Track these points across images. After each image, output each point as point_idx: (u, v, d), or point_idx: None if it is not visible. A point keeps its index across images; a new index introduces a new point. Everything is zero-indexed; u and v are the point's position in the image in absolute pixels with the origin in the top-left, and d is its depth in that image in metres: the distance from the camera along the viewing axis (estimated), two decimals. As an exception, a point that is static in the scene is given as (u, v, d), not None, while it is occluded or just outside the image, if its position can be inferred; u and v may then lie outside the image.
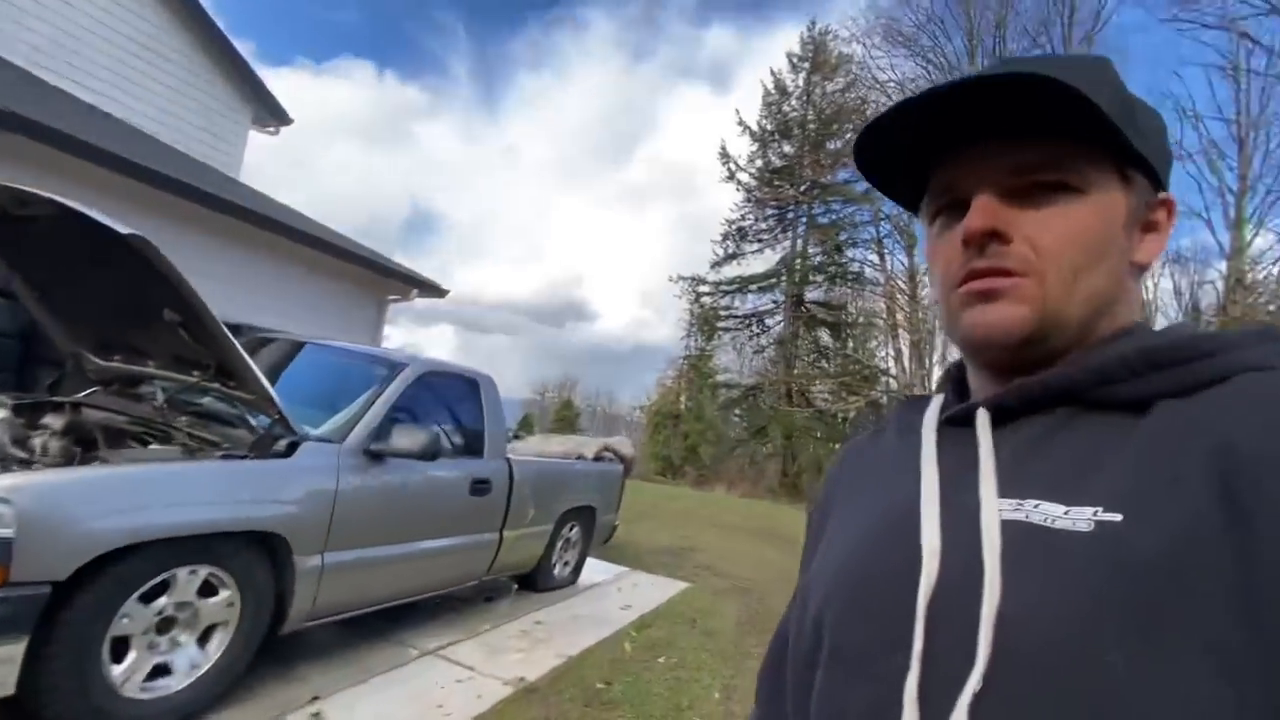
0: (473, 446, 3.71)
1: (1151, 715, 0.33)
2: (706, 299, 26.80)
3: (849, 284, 25.06)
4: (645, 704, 3.05)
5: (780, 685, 0.58)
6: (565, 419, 49.89)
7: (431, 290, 7.24)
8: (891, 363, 22.76)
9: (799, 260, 25.42)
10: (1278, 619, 0.32)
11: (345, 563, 2.77)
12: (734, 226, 26.83)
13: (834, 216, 25.20)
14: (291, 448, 2.59)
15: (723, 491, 21.81)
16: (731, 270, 26.66)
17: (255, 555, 2.43)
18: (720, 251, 26.92)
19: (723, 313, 26.53)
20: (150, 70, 7.28)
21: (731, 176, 25.96)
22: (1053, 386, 0.45)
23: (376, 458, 2.93)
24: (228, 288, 5.74)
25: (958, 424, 0.50)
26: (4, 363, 3.70)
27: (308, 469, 2.61)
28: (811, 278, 25.49)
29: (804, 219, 26.07)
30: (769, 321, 26.65)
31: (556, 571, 4.80)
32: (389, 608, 3.38)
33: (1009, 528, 0.41)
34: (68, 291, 2.87)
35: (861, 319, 25.14)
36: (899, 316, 21.46)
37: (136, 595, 2.08)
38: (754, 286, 26.33)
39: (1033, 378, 0.46)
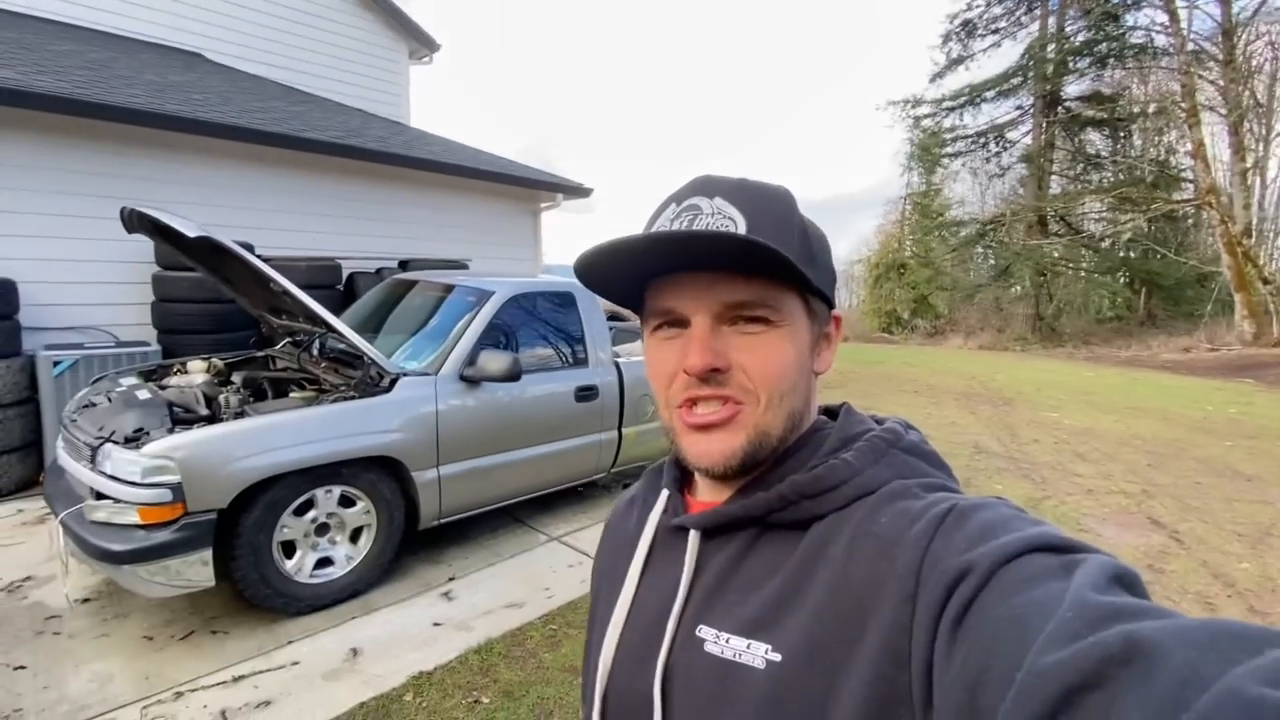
0: (577, 356, 3.91)
1: None
2: (927, 122, 22.88)
3: (1130, 62, 19.02)
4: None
5: None
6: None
7: (576, 192, 7.42)
8: (1189, 160, 17.34)
9: (1052, 45, 19.92)
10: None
11: (459, 473, 3.26)
12: (957, 21, 21.82)
13: (1104, -28, 18.86)
14: (391, 384, 3.04)
15: (958, 345, 19.68)
16: (957, 80, 22.18)
17: (377, 474, 2.98)
18: (940, 58, 22.31)
19: (947, 135, 22.44)
20: (316, 35, 8.19)
21: (949, -43, 20.79)
22: (739, 516, 0.53)
23: (473, 383, 3.28)
24: (407, 227, 6.61)
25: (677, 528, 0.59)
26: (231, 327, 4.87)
27: (407, 400, 3.05)
28: (1072, 64, 19.87)
29: (1057, -13, 20.08)
30: (1012, 135, 21.97)
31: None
32: (535, 498, 3.93)
33: (709, 658, 0.50)
34: (236, 278, 3.61)
35: (1150, 107, 19.27)
36: (1203, 94, 15.97)
37: (289, 511, 2.74)
38: (989, 93, 21.59)
39: (724, 507, 0.54)
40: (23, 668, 2.38)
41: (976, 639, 0.36)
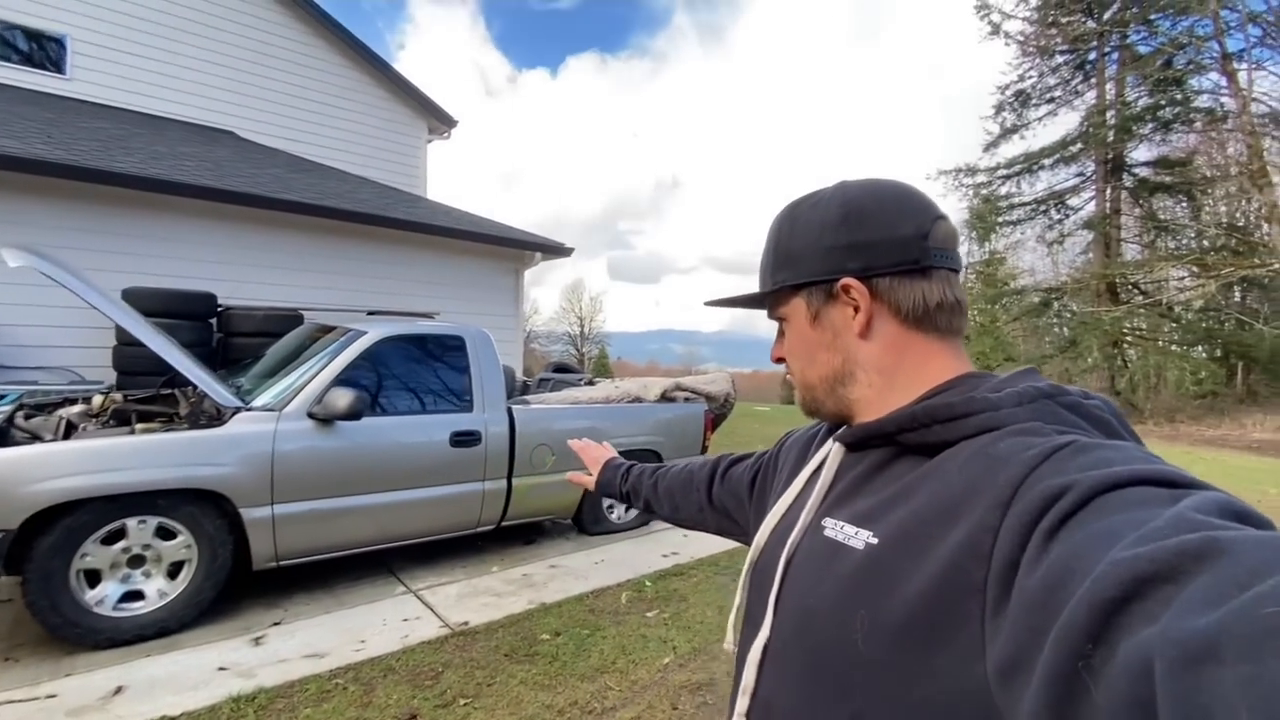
0: (460, 401, 3.84)
1: (882, 682, 0.49)
2: (983, 190, 22.21)
3: (1198, 125, 17.95)
4: (572, 660, 2.86)
5: (690, 482, 1.04)
6: None
7: (555, 251, 7.57)
8: (1266, 224, 15.91)
9: (1112, 112, 19.14)
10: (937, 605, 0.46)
11: (298, 513, 3.19)
12: (1010, 92, 21.50)
13: (1161, 39, 18.17)
14: (222, 418, 3.06)
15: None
16: (1012, 148, 21.54)
17: (200, 508, 2.96)
18: (994, 128, 21.86)
19: (1002, 204, 21.66)
20: (341, 113, 8.98)
21: (996, 31, 20.68)
22: (874, 431, 0.60)
23: (325, 422, 3.27)
24: (405, 284, 6.91)
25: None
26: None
27: (240, 435, 3.05)
28: (1134, 129, 18.95)
29: (1114, 54, 19.50)
30: (1073, 202, 20.97)
31: (615, 515, 4.72)
32: (421, 547, 3.81)
33: (825, 540, 0.59)
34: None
35: (1231, 169, 17.96)
36: (1276, 155, 14.80)
37: (94, 539, 2.75)
38: (1047, 161, 20.83)
39: (864, 423, 0.63)
40: None
41: (1066, 547, 0.37)
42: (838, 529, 0.58)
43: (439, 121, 9.93)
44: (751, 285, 0.73)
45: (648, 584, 3.77)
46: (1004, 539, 0.42)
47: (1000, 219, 21.82)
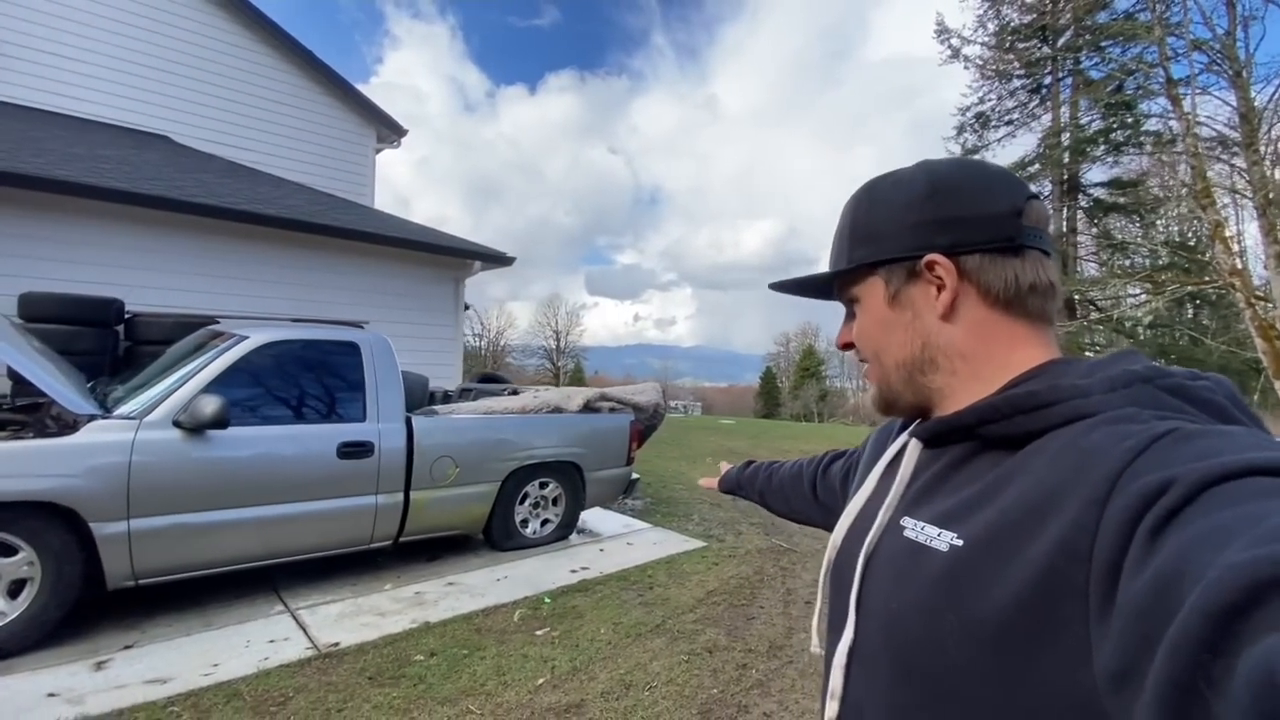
0: (351, 410, 3.70)
1: (973, 687, 0.47)
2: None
3: (1148, 147, 18.55)
4: (438, 682, 2.72)
5: (800, 476, 1.05)
6: (808, 369, 47.81)
7: (495, 260, 7.46)
8: (1214, 243, 16.36)
9: (1066, 134, 19.70)
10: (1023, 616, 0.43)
11: (160, 528, 3.01)
12: (970, 114, 21.97)
13: (1112, 65, 18.79)
14: (73, 427, 2.88)
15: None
16: (973, 168, 22.00)
17: (43, 522, 2.78)
18: (956, 149, 22.38)
19: (965, 221, 22.08)
20: (286, 120, 8.83)
21: (955, 55, 21.15)
22: (952, 424, 0.57)
23: (193, 431, 3.10)
24: (338, 292, 6.74)
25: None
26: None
27: (91, 445, 2.88)
28: (1088, 151, 19.53)
29: (1068, 79, 20.10)
30: (1032, 221, 21.43)
31: (530, 530, 4.59)
32: (312, 562, 3.64)
33: (906, 541, 0.56)
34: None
35: (1168, 193, 18.58)
36: (1234, 179, 15.24)
37: (-83, 556, 2.55)
38: (1007, 181, 21.31)
39: (943, 416, 0.59)
40: None
41: (1173, 548, 0.34)
42: (918, 529, 0.55)
43: (388, 130, 9.82)
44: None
45: (547, 601, 3.63)
46: (1103, 539, 0.39)
47: (962, 237, 22.25)
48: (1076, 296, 19.41)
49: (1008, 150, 22.92)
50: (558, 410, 4.72)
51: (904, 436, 0.67)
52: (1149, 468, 0.39)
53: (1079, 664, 0.39)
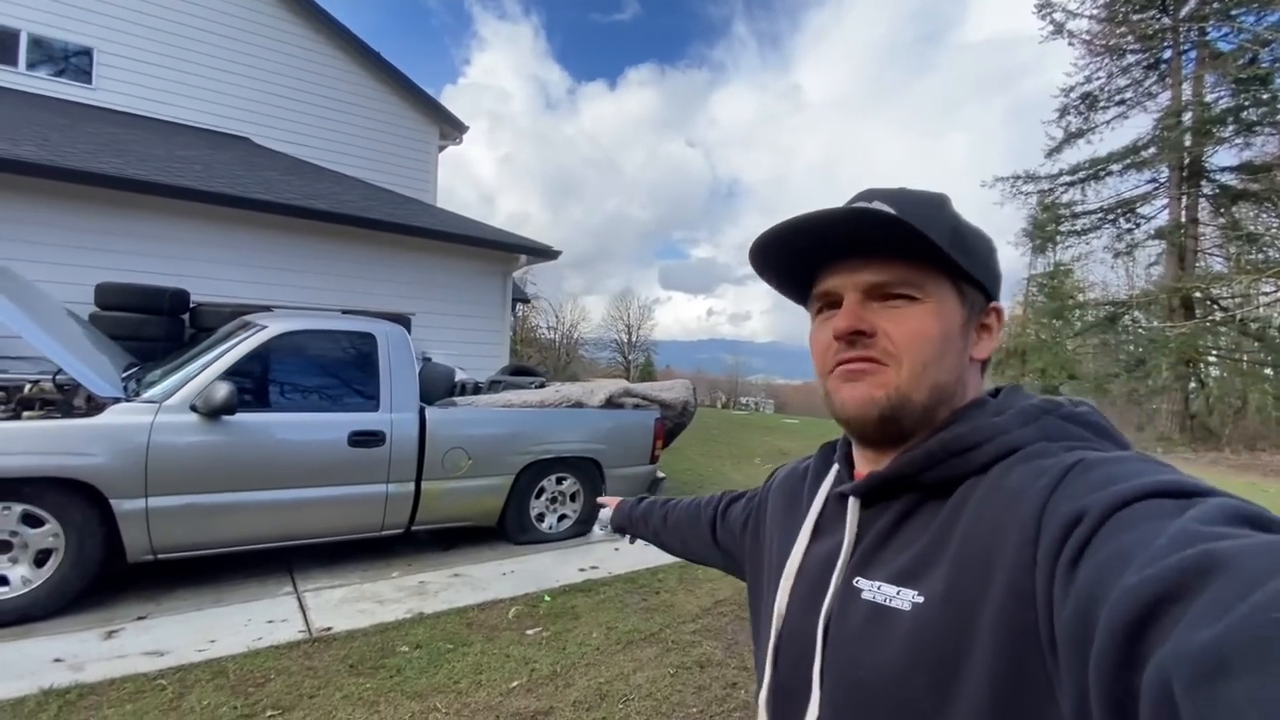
0: (364, 400, 3.75)
1: None
2: (1045, 198, 20.84)
3: (1288, 125, 16.26)
4: (415, 676, 2.69)
5: (698, 518, 0.99)
6: None
7: (540, 254, 7.47)
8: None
9: (1190, 113, 17.61)
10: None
11: (175, 507, 3.16)
12: (1075, 94, 20.14)
13: (1245, 36, 16.58)
14: (100, 408, 3.06)
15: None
16: (1076, 154, 20.11)
17: (68, 497, 2.96)
18: (1057, 133, 20.52)
19: (1064, 211, 20.26)
20: (354, 121, 9.22)
21: (1059, 30, 19.44)
22: (891, 476, 0.57)
23: (210, 415, 3.23)
24: (388, 285, 6.99)
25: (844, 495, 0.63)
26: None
27: (114, 426, 3.05)
28: (1214, 132, 17.35)
29: (1191, 52, 17.97)
30: (1145, 210, 19.39)
31: (546, 525, 4.53)
32: (327, 546, 3.75)
33: (866, 604, 0.54)
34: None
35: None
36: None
37: (-47, 523, 2.77)
38: (1116, 166, 19.37)
39: (880, 471, 0.58)
40: None
41: (1087, 577, 0.37)
42: (875, 590, 0.54)
43: (450, 127, 10.09)
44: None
45: (547, 598, 3.55)
46: (1041, 577, 0.42)
47: (1062, 228, 20.44)
48: (1197, 294, 17.45)
49: (1117, 134, 20.96)
50: (579, 405, 4.64)
51: (824, 490, 0.66)
52: (1063, 500, 0.43)
53: (1045, 701, 0.41)
